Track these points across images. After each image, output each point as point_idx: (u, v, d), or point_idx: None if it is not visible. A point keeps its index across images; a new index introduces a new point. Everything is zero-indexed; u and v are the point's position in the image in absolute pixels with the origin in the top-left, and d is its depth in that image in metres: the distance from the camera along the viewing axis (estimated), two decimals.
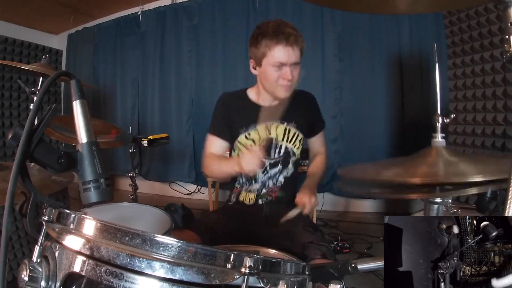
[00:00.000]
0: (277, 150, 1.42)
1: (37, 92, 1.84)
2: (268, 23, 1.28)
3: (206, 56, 3.83)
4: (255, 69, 1.37)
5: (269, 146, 1.41)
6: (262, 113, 1.40)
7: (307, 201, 1.24)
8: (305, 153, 2.80)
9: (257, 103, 1.44)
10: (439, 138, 0.82)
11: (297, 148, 1.44)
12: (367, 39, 3.26)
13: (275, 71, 1.27)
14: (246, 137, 1.41)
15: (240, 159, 1.20)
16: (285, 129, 1.42)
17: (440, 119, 0.81)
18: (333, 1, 0.82)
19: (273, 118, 1.41)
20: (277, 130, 1.41)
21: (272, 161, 1.42)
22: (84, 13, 4.37)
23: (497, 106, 2.27)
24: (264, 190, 1.42)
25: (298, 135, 1.43)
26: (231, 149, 1.48)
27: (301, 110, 1.45)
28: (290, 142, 1.42)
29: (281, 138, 1.42)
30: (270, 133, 1.41)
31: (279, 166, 1.42)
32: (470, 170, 0.70)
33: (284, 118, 1.41)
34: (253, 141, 1.40)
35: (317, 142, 1.55)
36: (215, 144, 1.43)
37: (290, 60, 1.26)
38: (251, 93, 1.47)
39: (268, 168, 1.42)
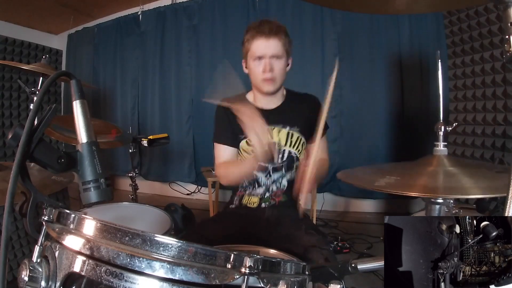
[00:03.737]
0: (280, 156, 1.40)
1: (37, 92, 1.84)
2: (256, 22, 1.33)
3: (206, 56, 3.83)
4: (246, 68, 1.40)
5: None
6: (263, 117, 1.39)
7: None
8: None
9: (256, 106, 1.41)
10: (441, 146, 0.83)
11: (301, 153, 1.41)
12: (367, 39, 3.26)
13: (257, 65, 1.31)
14: (247, 142, 1.39)
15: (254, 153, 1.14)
16: (288, 134, 1.40)
17: (443, 127, 0.82)
18: (333, 1, 0.82)
19: (275, 123, 1.39)
20: (280, 135, 1.39)
21: (276, 166, 1.40)
22: (84, 13, 4.37)
23: (497, 106, 2.27)
24: (267, 194, 1.41)
25: (301, 140, 1.41)
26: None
27: (304, 114, 1.42)
28: (293, 147, 1.40)
29: (284, 143, 1.39)
30: (272, 138, 1.39)
31: (282, 170, 1.41)
32: (470, 185, 0.71)
33: (286, 122, 1.40)
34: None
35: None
36: (224, 153, 1.40)
37: (268, 52, 1.28)
38: (250, 97, 1.46)
39: (271, 172, 1.40)
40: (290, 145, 1.40)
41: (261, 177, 1.40)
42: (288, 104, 1.43)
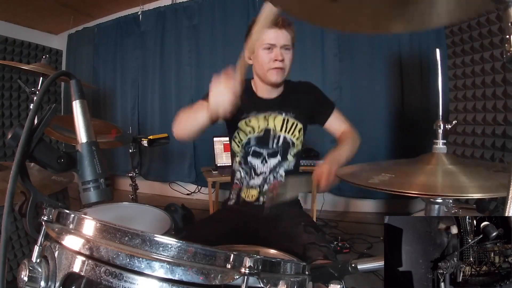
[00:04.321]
0: (275, 141, 1.42)
1: (37, 92, 1.84)
2: None
3: (206, 56, 3.82)
4: (250, 59, 1.39)
5: (267, 137, 1.42)
6: (262, 105, 1.42)
7: (325, 173, 1.11)
8: (307, 152, 2.80)
9: (257, 94, 1.46)
10: (440, 144, 0.82)
11: (297, 138, 1.44)
12: (367, 39, 3.26)
13: (266, 54, 1.32)
14: (246, 123, 1.42)
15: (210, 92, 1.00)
16: (283, 120, 1.42)
17: (442, 125, 0.82)
18: (328, 21, 0.77)
19: (272, 110, 1.42)
20: (275, 121, 1.42)
21: (271, 151, 1.42)
22: (84, 13, 4.37)
23: (497, 106, 2.27)
24: (266, 186, 1.42)
25: (297, 125, 1.43)
26: (232, 134, 1.46)
27: (300, 100, 1.45)
28: (288, 132, 1.43)
29: (279, 128, 1.42)
30: (268, 124, 1.42)
31: (278, 157, 1.42)
32: (469, 184, 0.70)
33: (283, 108, 1.43)
34: (252, 128, 1.41)
35: (334, 123, 1.44)
36: (198, 105, 1.24)
37: (279, 41, 1.31)
38: (253, 84, 1.49)
39: (266, 157, 1.42)
40: (285, 131, 1.42)
41: (257, 163, 1.41)
42: (287, 94, 1.46)
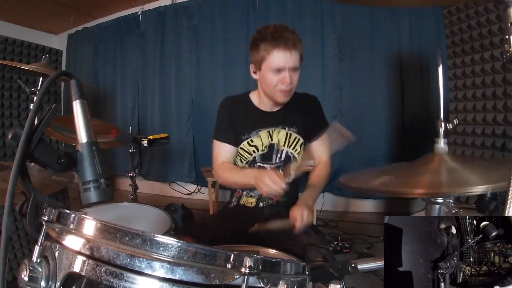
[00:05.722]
0: (278, 155, 1.42)
1: (37, 92, 1.84)
2: (267, 27, 1.28)
3: (206, 56, 3.82)
4: (256, 73, 1.36)
5: (271, 152, 1.41)
6: (265, 119, 1.41)
7: (299, 217, 1.17)
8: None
9: (260, 108, 1.44)
10: (441, 144, 0.82)
11: (298, 152, 1.43)
12: (367, 39, 3.26)
13: (274, 75, 1.27)
14: (248, 143, 1.40)
15: (261, 178, 1.16)
16: (287, 134, 1.41)
17: (443, 124, 0.81)
18: None
19: (275, 124, 1.41)
20: (279, 136, 1.41)
21: (273, 166, 1.41)
22: (84, 13, 4.37)
23: (497, 106, 2.27)
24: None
25: (298, 140, 1.43)
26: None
27: (302, 114, 1.43)
28: (290, 147, 1.42)
29: (283, 143, 1.41)
30: (272, 139, 1.41)
31: (279, 170, 1.41)
32: (473, 179, 0.70)
33: (286, 123, 1.41)
34: (256, 147, 1.40)
35: (318, 146, 1.43)
36: (224, 151, 1.40)
37: (289, 64, 1.25)
38: (254, 97, 1.46)
39: None
40: (288, 145, 1.42)
41: None
42: (290, 106, 1.44)
